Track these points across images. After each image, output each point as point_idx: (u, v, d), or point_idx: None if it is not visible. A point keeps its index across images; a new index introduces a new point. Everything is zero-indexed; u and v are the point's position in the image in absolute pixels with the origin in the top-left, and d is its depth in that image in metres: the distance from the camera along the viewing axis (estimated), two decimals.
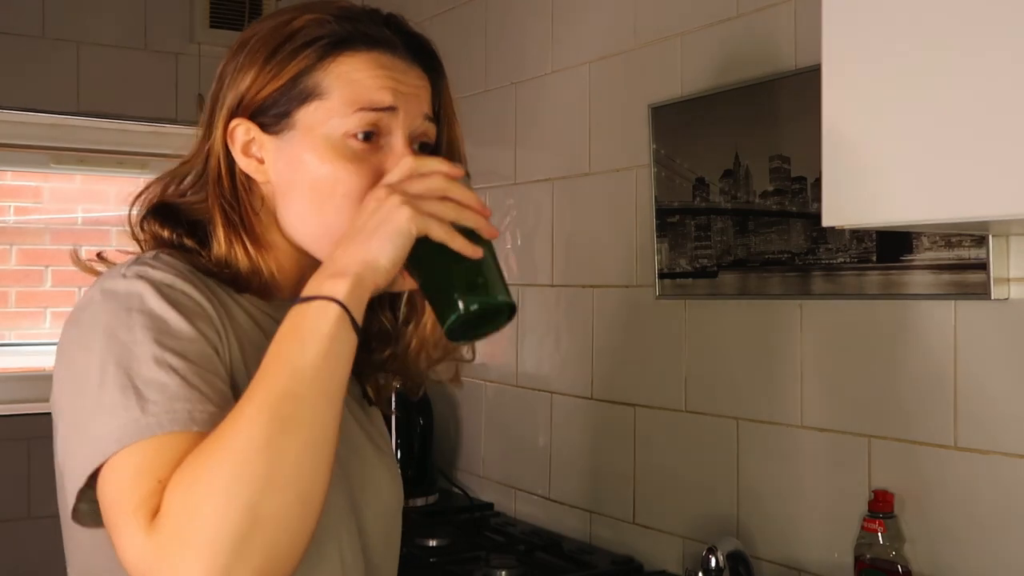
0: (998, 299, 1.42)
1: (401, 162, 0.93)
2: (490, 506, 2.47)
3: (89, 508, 0.86)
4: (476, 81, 2.54)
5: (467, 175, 0.95)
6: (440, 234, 0.89)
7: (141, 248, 1.02)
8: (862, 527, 1.53)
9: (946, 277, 1.48)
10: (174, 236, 1.00)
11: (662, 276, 1.97)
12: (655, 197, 1.98)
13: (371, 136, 0.97)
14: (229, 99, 0.99)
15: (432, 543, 2.11)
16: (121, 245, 1.04)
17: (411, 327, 1.06)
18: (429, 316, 1.04)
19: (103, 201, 3.14)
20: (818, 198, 1.49)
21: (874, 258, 1.58)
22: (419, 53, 1.03)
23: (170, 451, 0.82)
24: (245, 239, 0.98)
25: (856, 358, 1.62)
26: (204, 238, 1.00)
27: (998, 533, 1.43)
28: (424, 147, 1.02)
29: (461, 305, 0.88)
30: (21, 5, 2.82)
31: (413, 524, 2.27)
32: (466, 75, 2.55)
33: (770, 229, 1.75)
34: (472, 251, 0.90)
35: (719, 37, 1.86)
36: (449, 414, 2.66)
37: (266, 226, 1.01)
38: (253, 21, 1.05)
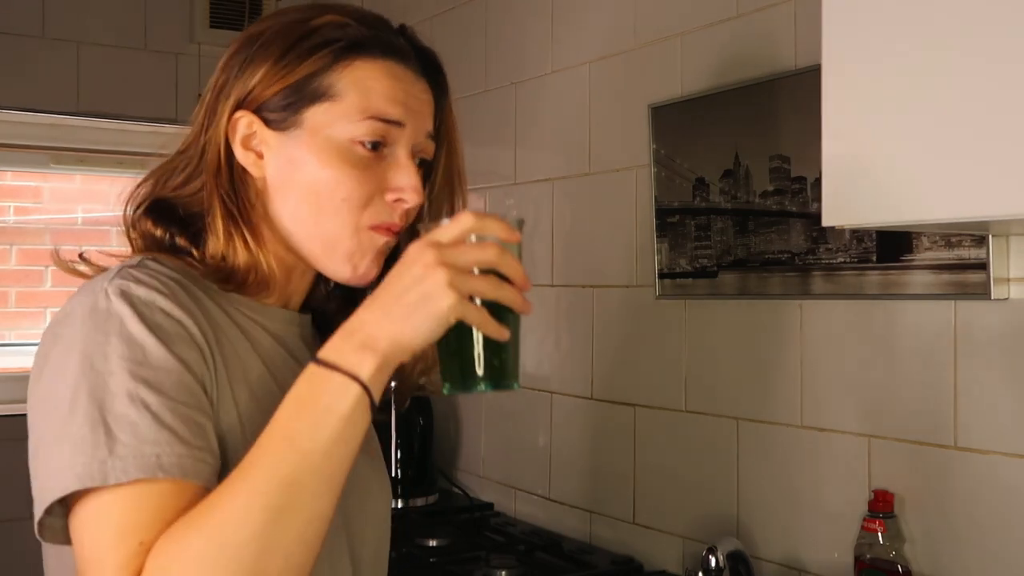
0: (998, 299, 1.42)
1: (461, 217, 0.86)
2: (490, 506, 2.47)
3: (52, 525, 0.86)
4: (476, 81, 2.54)
5: (521, 221, 0.91)
6: (476, 320, 0.85)
7: (132, 247, 1.01)
8: (862, 527, 1.53)
9: (946, 277, 1.48)
10: (166, 236, 0.98)
11: (662, 276, 1.97)
12: (655, 197, 1.98)
13: (378, 146, 0.97)
14: (236, 91, 0.98)
15: (432, 543, 2.11)
16: (120, 245, 1.03)
17: None
18: None
19: (103, 201, 3.14)
20: (818, 198, 1.49)
21: (874, 258, 1.58)
22: (427, 67, 1.03)
23: (148, 507, 0.81)
24: (244, 231, 0.97)
25: (856, 358, 1.62)
26: (198, 234, 0.98)
27: (998, 533, 1.43)
28: (422, 163, 1.02)
29: (469, 381, 0.88)
30: (21, 5, 2.82)
31: (413, 524, 2.28)
32: (466, 75, 2.55)
33: (770, 229, 1.75)
34: (501, 335, 0.86)
35: (719, 37, 1.86)
36: (449, 414, 2.66)
37: (260, 220, 1.00)
38: (255, 19, 1.05)
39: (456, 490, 2.59)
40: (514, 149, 2.43)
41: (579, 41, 2.22)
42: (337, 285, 1.11)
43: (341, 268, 0.99)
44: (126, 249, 1.01)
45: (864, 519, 1.53)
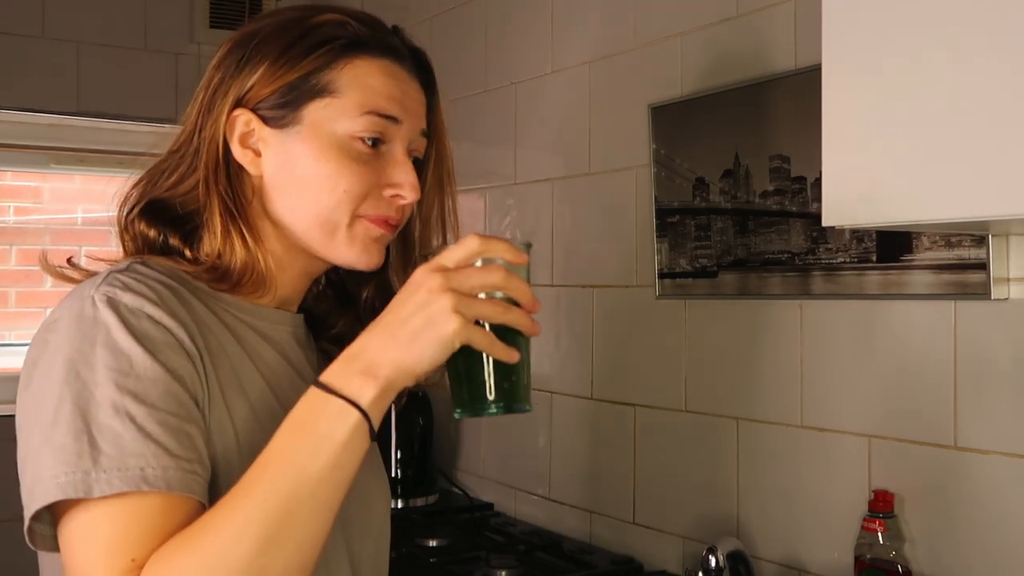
0: (998, 299, 1.42)
1: (467, 241, 0.86)
2: (490, 506, 2.47)
3: (40, 532, 0.86)
4: (476, 81, 2.54)
5: (529, 245, 0.90)
6: (483, 344, 0.84)
7: (125, 249, 1.00)
8: (862, 527, 1.53)
9: (946, 277, 1.48)
10: (160, 237, 0.98)
11: (662, 276, 1.97)
12: (655, 197, 1.98)
13: (377, 143, 0.98)
14: (234, 89, 0.98)
15: (432, 543, 2.11)
16: (105, 247, 1.02)
17: None
18: None
19: (103, 201, 3.13)
20: (818, 198, 1.49)
21: (874, 258, 1.58)
22: (419, 67, 1.05)
23: (138, 523, 0.81)
24: (243, 228, 0.97)
25: (856, 358, 1.62)
26: (192, 233, 0.98)
27: (998, 533, 1.43)
28: (415, 162, 1.02)
29: (480, 405, 0.87)
30: (21, 5, 2.82)
31: (413, 524, 2.28)
32: (466, 75, 2.55)
33: (770, 229, 1.75)
34: (510, 358, 0.85)
35: (719, 37, 1.86)
36: (449, 414, 2.65)
37: (257, 217, 1.00)
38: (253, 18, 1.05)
39: (456, 490, 2.59)
40: (514, 149, 2.43)
41: (579, 41, 2.22)
42: (328, 284, 1.11)
43: (346, 252, 0.99)
44: (118, 252, 1.01)
45: (864, 519, 1.53)
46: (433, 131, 1.06)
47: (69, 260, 0.99)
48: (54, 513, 0.84)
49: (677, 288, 1.94)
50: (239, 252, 0.97)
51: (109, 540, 0.81)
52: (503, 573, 1.91)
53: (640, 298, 2.04)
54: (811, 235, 1.68)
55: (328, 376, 0.85)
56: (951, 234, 1.47)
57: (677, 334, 1.95)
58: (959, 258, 1.46)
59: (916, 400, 1.53)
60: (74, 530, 0.82)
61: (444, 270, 0.84)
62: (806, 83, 1.60)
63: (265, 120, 0.98)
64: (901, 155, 1.12)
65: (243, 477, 0.82)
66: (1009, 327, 1.42)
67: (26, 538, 0.87)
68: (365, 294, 1.09)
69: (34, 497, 0.83)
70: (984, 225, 1.27)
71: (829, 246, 1.65)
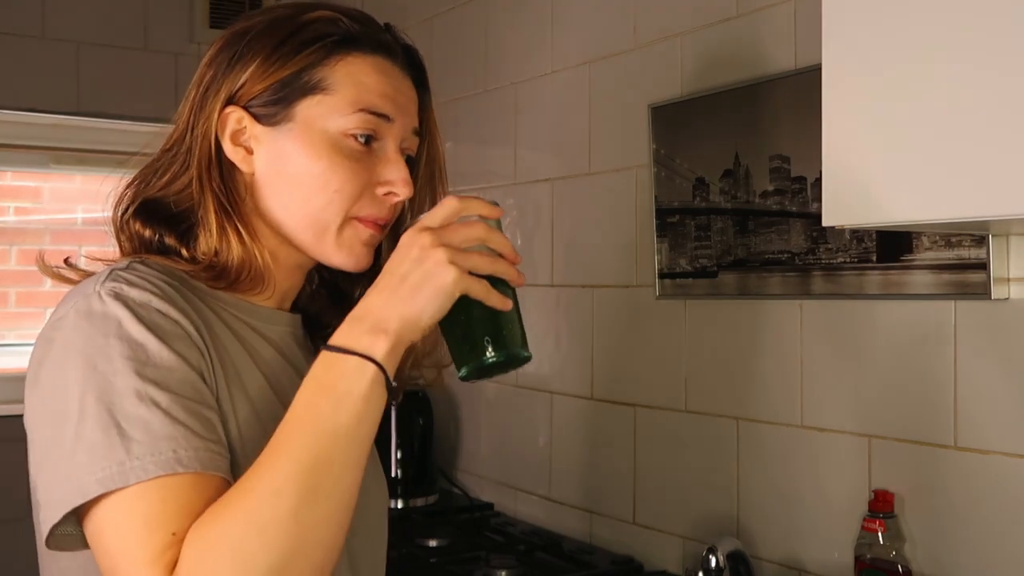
0: (998, 299, 1.42)
1: (445, 201, 0.90)
2: (490, 506, 2.47)
3: (66, 535, 0.85)
4: (476, 81, 2.54)
5: (495, 203, 0.94)
6: (480, 293, 0.88)
7: (122, 250, 1.00)
8: (862, 527, 1.53)
9: (946, 277, 1.48)
10: (155, 236, 0.98)
11: (662, 276, 1.97)
12: (655, 197, 1.98)
13: (369, 140, 0.98)
14: (226, 86, 0.98)
15: (432, 543, 2.11)
16: (106, 247, 1.02)
17: None
18: None
19: (103, 201, 3.13)
20: (818, 198, 1.49)
21: (874, 258, 1.58)
22: (412, 65, 1.04)
23: (175, 498, 0.81)
24: (238, 225, 0.97)
25: (856, 358, 1.62)
26: (187, 232, 0.98)
27: (998, 533, 1.43)
28: (408, 160, 1.02)
29: (483, 356, 0.89)
30: (21, 5, 2.82)
31: (413, 524, 2.28)
32: (466, 75, 2.55)
33: (770, 229, 1.75)
34: (504, 305, 0.89)
35: (719, 37, 1.86)
36: (449, 414, 2.66)
37: (251, 214, 1.00)
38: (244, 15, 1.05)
39: (456, 490, 2.59)
40: (514, 149, 2.43)
41: (579, 41, 2.22)
42: (321, 284, 1.11)
43: (333, 253, 0.99)
44: (115, 252, 1.01)
45: (864, 519, 1.53)
46: (425, 130, 1.06)
47: (66, 260, 0.99)
48: (79, 511, 0.84)
49: (677, 288, 1.94)
50: (235, 249, 0.97)
51: (147, 518, 0.81)
52: (503, 573, 1.91)
53: (640, 298, 2.04)
54: (811, 235, 1.68)
55: (338, 338, 0.87)
56: (951, 234, 1.47)
57: (677, 334, 1.95)
58: (959, 258, 1.46)
59: (916, 400, 1.53)
60: (106, 517, 0.82)
61: (430, 229, 0.88)
62: (806, 83, 1.60)
63: (257, 118, 0.98)
64: (901, 155, 1.12)
65: (270, 442, 0.84)
66: (1009, 327, 1.42)
67: (44, 543, 0.86)
68: (358, 292, 1.09)
69: (66, 497, 0.83)
70: (984, 225, 1.27)
71: (829, 246, 1.65)
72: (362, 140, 0.97)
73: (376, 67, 0.99)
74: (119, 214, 1.01)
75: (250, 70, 0.97)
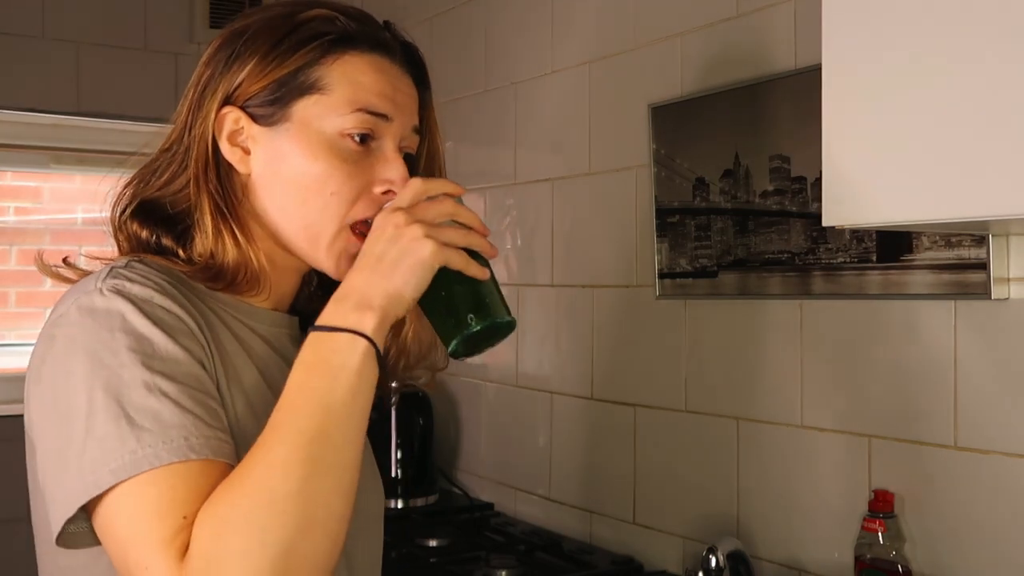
0: (998, 299, 1.42)
1: (410, 183, 0.93)
2: (490, 506, 2.47)
3: (76, 531, 0.85)
4: (476, 81, 2.54)
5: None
6: (459, 263, 0.90)
7: (120, 250, 1.00)
8: (862, 527, 1.53)
9: (946, 277, 1.48)
10: (153, 237, 0.98)
11: (662, 276, 1.97)
12: (655, 197, 1.98)
13: (366, 139, 0.97)
14: (223, 87, 0.97)
15: (432, 543, 2.11)
16: (106, 247, 1.02)
17: (389, 336, 1.05)
18: (408, 326, 1.05)
19: (103, 201, 3.13)
20: (818, 198, 1.49)
21: (874, 258, 1.58)
22: (411, 62, 1.04)
23: (185, 483, 0.81)
24: (234, 227, 0.97)
25: (856, 358, 1.62)
26: (184, 233, 0.98)
27: (998, 533, 1.43)
28: (407, 157, 1.02)
29: (468, 327, 0.90)
30: (21, 5, 2.82)
31: (413, 524, 2.28)
32: (466, 75, 2.55)
33: (770, 229, 1.75)
34: (482, 274, 0.91)
35: (719, 37, 1.86)
36: (449, 414, 2.66)
37: (247, 216, 1.00)
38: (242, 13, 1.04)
39: (456, 490, 2.59)
40: (514, 149, 2.43)
41: (579, 41, 2.22)
42: (320, 286, 1.11)
43: (324, 261, 0.99)
44: (114, 251, 1.01)
45: (864, 519, 1.53)
46: (425, 128, 1.05)
47: (65, 260, 0.99)
48: (87, 506, 0.84)
49: (677, 288, 1.94)
50: (231, 251, 0.97)
51: (158, 503, 0.81)
52: (503, 573, 1.91)
53: (640, 298, 2.04)
54: (811, 235, 1.68)
55: (325, 319, 0.88)
56: (951, 234, 1.47)
57: (677, 334, 1.95)
58: (959, 258, 1.46)
59: (916, 400, 1.53)
60: (115, 506, 0.82)
61: (402, 209, 0.90)
62: (806, 83, 1.60)
63: (254, 118, 0.97)
64: (901, 155, 1.12)
65: (268, 423, 0.84)
66: (1009, 327, 1.42)
67: (55, 541, 0.85)
68: None
69: (78, 490, 0.82)
70: (984, 225, 1.27)
71: (829, 246, 1.65)
72: (358, 140, 0.96)
73: (374, 66, 0.98)
74: (117, 214, 1.01)
75: (247, 70, 0.96)
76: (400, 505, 2.46)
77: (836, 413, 1.65)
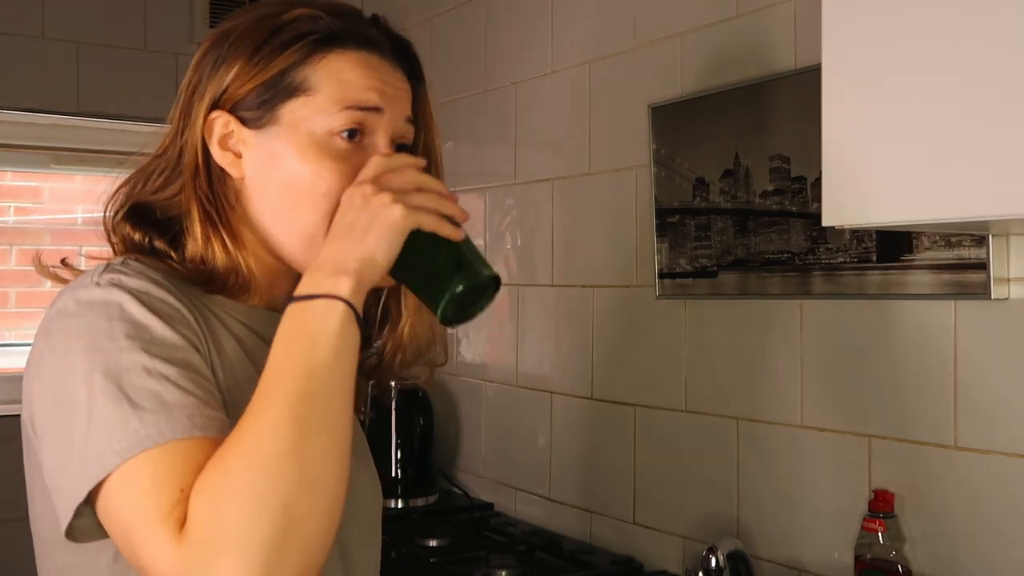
0: (998, 299, 1.42)
1: (372, 159, 0.93)
2: (490, 506, 2.47)
3: (82, 524, 0.85)
4: (476, 81, 2.54)
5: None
6: (431, 224, 0.90)
7: (113, 250, 1.00)
8: (862, 527, 1.53)
9: (946, 277, 1.48)
10: (145, 240, 0.98)
11: (662, 276, 1.97)
12: (655, 197, 1.98)
13: (355, 135, 0.96)
14: (210, 91, 0.97)
15: (432, 543, 2.11)
16: (105, 247, 1.02)
17: (386, 331, 1.05)
18: (405, 321, 1.04)
19: (102, 201, 3.13)
20: (818, 198, 1.49)
21: (874, 258, 1.58)
22: (402, 56, 1.02)
23: (183, 459, 0.81)
24: (223, 233, 0.97)
25: (856, 358, 1.62)
26: (176, 237, 0.98)
27: (998, 533, 1.43)
28: (402, 148, 1.01)
29: (452, 288, 0.90)
30: (21, 5, 2.82)
31: (413, 524, 2.28)
32: (466, 75, 2.55)
33: (770, 229, 1.75)
34: (457, 234, 0.92)
35: (719, 37, 1.86)
36: (449, 414, 2.66)
37: (240, 222, 0.99)
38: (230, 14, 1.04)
39: (456, 490, 2.59)
40: (514, 149, 2.43)
41: (579, 41, 2.22)
42: None
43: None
44: (108, 251, 1.01)
45: (864, 519, 1.53)
46: (421, 119, 1.04)
47: (63, 261, 0.99)
48: (92, 497, 0.83)
49: (677, 288, 1.94)
50: (220, 258, 0.97)
51: (154, 480, 0.81)
52: (503, 573, 1.92)
53: (640, 298, 2.04)
54: (811, 235, 1.68)
55: (301, 289, 0.88)
56: (951, 234, 1.47)
57: (677, 334, 1.95)
58: (959, 258, 1.46)
59: (916, 400, 1.53)
60: (116, 488, 0.81)
61: (368, 180, 0.91)
62: (806, 83, 1.60)
63: (244, 121, 0.97)
64: (901, 155, 1.12)
65: (256, 393, 0.84)
66: (1009, 327, 1.42)
67: (64, 534, 0.85)
68: None
69: (85, 475, 0.82)
70: (984, 225, 1.27)
71: (829, 246, 1.65)
72: (347, 136, 0.96)
73: (361, 62, 0.97)
74: (110, 216, 1.01)
75: (232, 73, 0.96)
76: (400, 505, 2.46)
77: (836, 413, 1.65)
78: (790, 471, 1.73)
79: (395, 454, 2.51)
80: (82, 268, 0.98)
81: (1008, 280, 1.42)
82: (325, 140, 0.95)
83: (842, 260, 1.63)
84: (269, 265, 1.01)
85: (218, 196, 0.98)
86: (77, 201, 3.16)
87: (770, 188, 1.75)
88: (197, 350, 0.89)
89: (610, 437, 2.12)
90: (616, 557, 2.02)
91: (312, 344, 0.84)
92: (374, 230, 0.88)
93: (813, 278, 1.68)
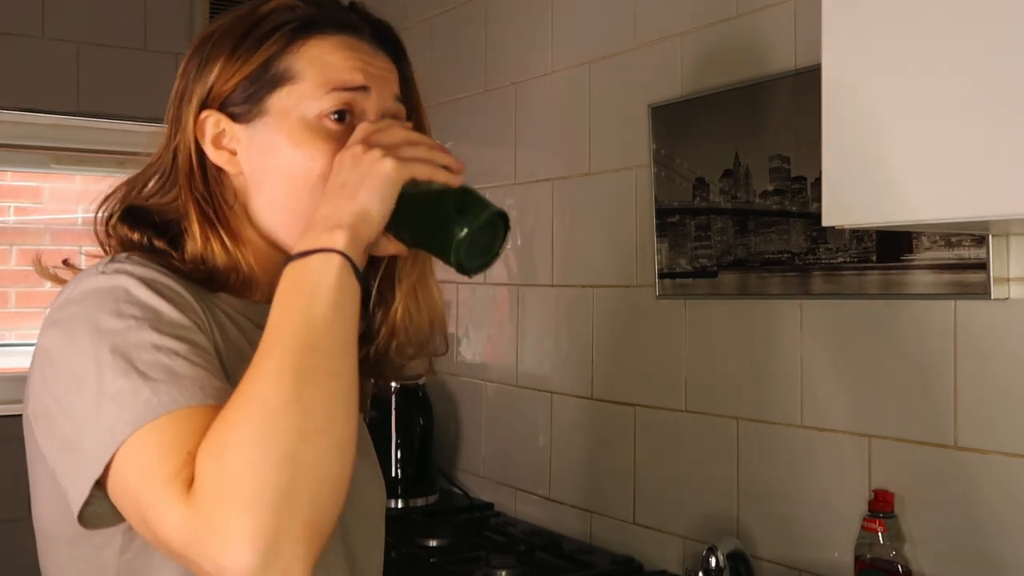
0: (998, 299, 1.42)
1: (359, 127, 0.94)
2: (490, 506, 2.47)
3: (94, 510, 0.84)
4: (476, 81, 2.54)
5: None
6: (426, 172, 0.90)
7: (107, 253, 1.00)
8: (862, 527, 1.53)
9: (946, 277, 1.48)
10: (144, 239, 0.98)
11: (662, 276, 1.97)
12: (655, 197, 1.98)
13: (344, 116, 0.97)
14: (197, 92, 0.98)
15: (432, 543, 2.11)
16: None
17: (379, 315, 1.04)
18: (399, 303, 1.03)
19: (93, 203, 3.13)
20: (818, 198, 1.49)
21: (874, 258, 1.58)
22: (384, 39, 1.03)
23: (190, 425, 0.81)
24: (222, 233, 0.97)
25: (856, 358, 1.62)
26: (175, 239, 0.98)
27: (998, 533, 1.43)
28: None
29: (459, 233, 0.89)
30: (21, 5, 2.82)
31: (413, 524, 2.28)
32: (466, 75, 2.55)
33: (770, 229, 1.75)
34: (454, 180, 0.92)
35: (719, 37, 1.86)
36: (449, 414, 2.66)
37: (240, 220, 1.00)
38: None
39: (456, 490, 2.59)
40: (514, 149, 2.43)
41: (579, 41, 2.22)
42: None
43: None
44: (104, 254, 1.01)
45: (864, 519, 1.53)
46: (411, 104, 1.05)
47: (65, 261, 1.00)
48: (102, 480, 0.83)
49: (677, 288, 1.94)
50: (220, 256, 0.97)
51: (162, 441, 0.80)
52: (503, 573, 1.91)
53: (640, 298, 2.04)
54: (811, 235, 1.68)
55: (297, 248, 0.88)
56: (951, 234, 1.47)
57: (677, 334, 1.95)
58: (959, 258, 1.46)
59: (916, 400, 1.53)
60: (124, 458, 0.81)
61: (357, 141, 0.91)
62: (806, 83, 1.60)
63: (233, 117, 0.98)
64: (901, 155, 1.12)
65: (257, 352, 0.83)
66: (1009, 327, 1.42)
67: (77, 521, 0.84)
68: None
69: (99, 449, 0.81)
70: (984, 225, 1.27)
71: (829, 246, 1.65)
72: (336, 118, 0.96)
73: (341, 45, 0.98)
74: (104, 217, 1.01)
75: (216, 71, 0.97)
76: (400, 505, 2.46)
77: (836, 413, 1.65)
78: (790, 471, 1.73)
79: (395, 454, 2.51)
80: (82, 268, 0.98)
81: (1008, 280, 1.42)
82: (315, 124, 0.96)
83: (842, 260, 1.63)
84: (272, 260, 1.00)
85: (215, 196, 0.99)
86: (77, 201, 3.16)
87: (770, 188, 1.75)
88: (203, 333, 0.90)
89: (610, 437, 2.12)
90: (616, 557, 2.02)
91: (310, 298, 0.84)
92: (366, 185, 0.88)
93: (813, 278, 1.68)
